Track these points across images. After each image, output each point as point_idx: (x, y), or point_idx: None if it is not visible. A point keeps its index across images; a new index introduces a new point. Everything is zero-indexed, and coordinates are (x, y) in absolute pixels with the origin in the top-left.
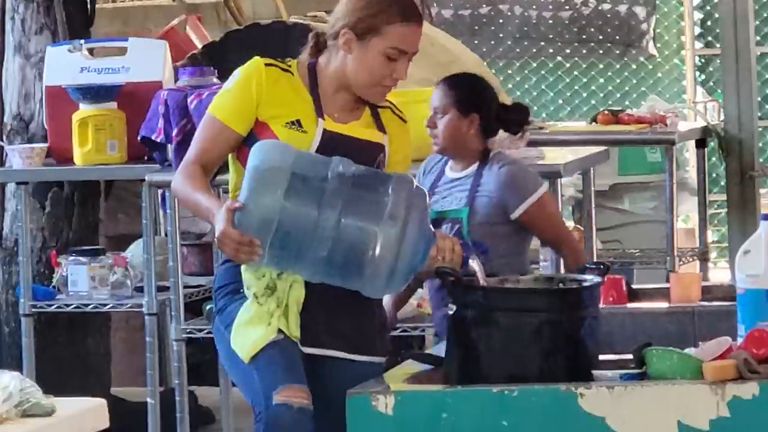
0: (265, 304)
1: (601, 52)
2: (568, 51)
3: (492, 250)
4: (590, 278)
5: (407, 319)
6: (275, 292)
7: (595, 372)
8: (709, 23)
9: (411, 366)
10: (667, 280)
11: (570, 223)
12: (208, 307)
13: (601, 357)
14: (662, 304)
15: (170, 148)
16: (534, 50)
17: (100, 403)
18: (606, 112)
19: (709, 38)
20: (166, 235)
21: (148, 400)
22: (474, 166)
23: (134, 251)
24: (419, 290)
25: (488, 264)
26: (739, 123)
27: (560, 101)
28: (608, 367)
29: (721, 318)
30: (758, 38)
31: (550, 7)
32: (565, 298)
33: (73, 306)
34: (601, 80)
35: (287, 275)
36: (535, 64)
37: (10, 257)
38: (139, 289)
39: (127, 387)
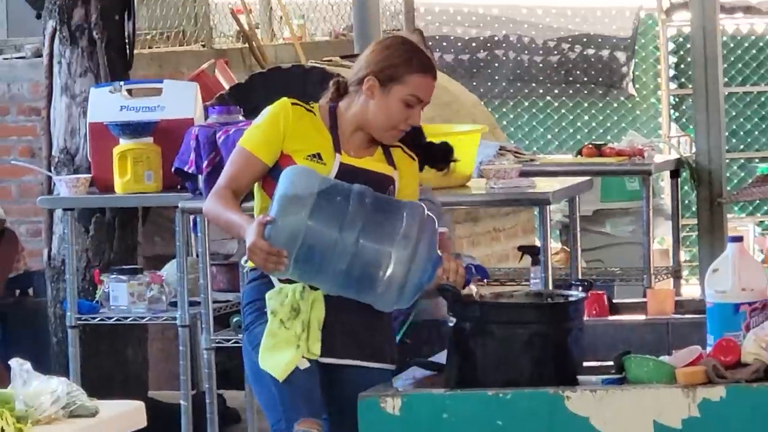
0: (291, 328)
1: (585, 92)
2: (556, 91)
3: None
4: (575, 294)
5: None
6: (299, 314)
7: (580, 377)
8: (682, 66)
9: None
10: (644, 296)
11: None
12: (234, 320)
13: (586, 364)
14: (640, 317)
15: (201, 178)
16: (526, 91)
17: (139, 405)
18: (590, 145)
19: (683, 80)
20: (197, 255)
21: (182, 402)
22: None
23: (169, 270)
24: None
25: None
26: (708, 156)
27: (549, 136)
28: (592, 373)
29: (693, 329)
30: (726, 80)
31: (541, 52)
32: (553, 312)
33: (114, 319)
34: (586, 117)
35: (308, 295)
36: (527, 103)
37: (58, 275)
38: (173, 304)
39: (162, 391)
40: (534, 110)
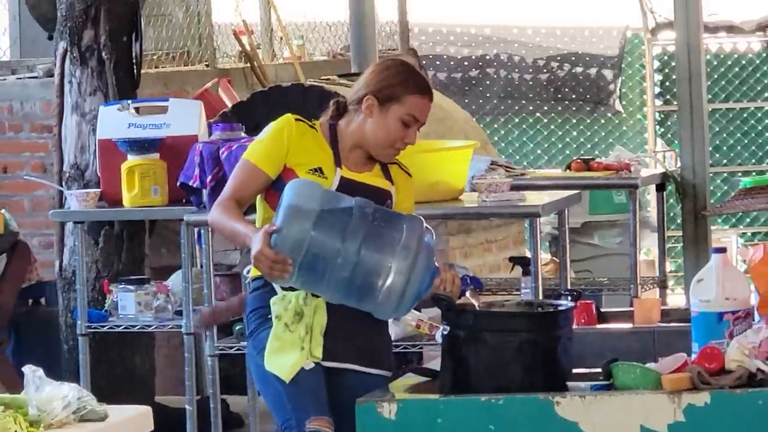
0: (295, 331)
1: (574, 109)
2: (545, 108)
3: None
4: (565, 303)
5: (407, 338)
6: (303, 318)
7: (569, 383)
8: (667, 84)
9: (411, 378)
10: (631, 305)
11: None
12: (237, 328)
13: (575, 371)
14: (627, 325)
15: (205, 192)
16: (516, 108)
17: (146, 409)
18: (578, 160)
19: (668, 96)
20: (201, 266)
21: (187, 407)
22: None
23: (174, 280)
24: (417, 313)
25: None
26: (693, 170)
27: (539, 151)
28: (581, 379)
29: (678, 337)
30: (710, 96)
31: (531, 70)
32: (543, 321)
33: (122, 327)
34: (574, 133)
35: (311, 301)
36: (517, 120)
37: (68, 285)
38: (179, 313)
39: (168, 396)
40: (524, 126)
